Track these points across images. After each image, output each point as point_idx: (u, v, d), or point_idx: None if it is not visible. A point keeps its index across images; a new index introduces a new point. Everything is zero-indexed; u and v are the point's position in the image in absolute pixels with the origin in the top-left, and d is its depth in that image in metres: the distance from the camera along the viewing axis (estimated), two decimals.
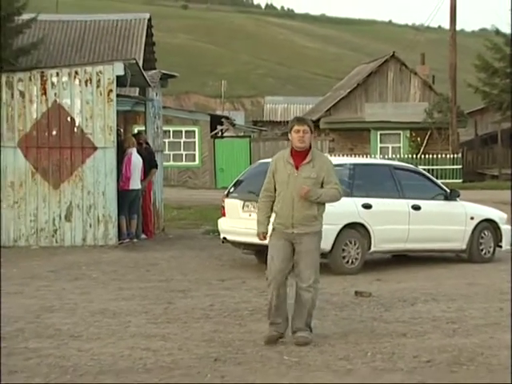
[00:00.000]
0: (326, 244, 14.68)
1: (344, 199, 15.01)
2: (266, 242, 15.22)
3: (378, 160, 29.67)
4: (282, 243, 9.19)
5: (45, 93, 18.15)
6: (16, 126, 18.12)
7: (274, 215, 9.34)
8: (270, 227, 9.46)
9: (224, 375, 8.05)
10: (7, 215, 18.05)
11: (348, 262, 14.98)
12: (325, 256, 14.98)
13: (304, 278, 9.11)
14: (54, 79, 18.25)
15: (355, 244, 15.04)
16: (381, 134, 47.44)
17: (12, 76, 18.44)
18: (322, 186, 9.15)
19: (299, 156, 9.09)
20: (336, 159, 19.40)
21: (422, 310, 11.41)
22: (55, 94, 18.17)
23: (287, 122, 63.15)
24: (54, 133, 18.23)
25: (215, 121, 44.25)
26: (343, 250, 14.93)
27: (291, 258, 9.17)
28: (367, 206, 15.20)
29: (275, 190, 9.21)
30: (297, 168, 9.04)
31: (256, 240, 15.31)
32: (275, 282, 9.11)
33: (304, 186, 8.91)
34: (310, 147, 9.16)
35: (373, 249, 15.32)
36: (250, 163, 31.99)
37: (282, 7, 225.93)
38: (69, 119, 18.20)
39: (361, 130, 47.04)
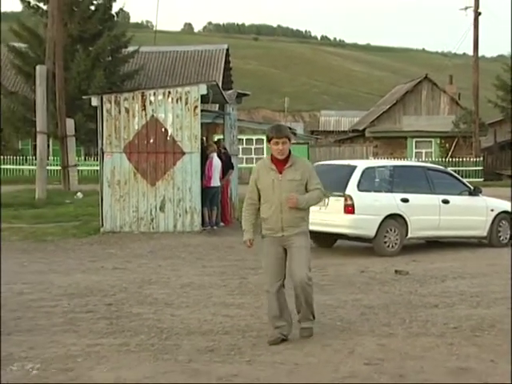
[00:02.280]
0: (371, 231, 14.72)
1: (386, 194, 15.12)
2: (317, 228, 15.40)
3: (413, 162, 29.38)
4: (274, 250, 7.87)
5: (144, 109, 18.32)
6: (122, 135, 18.31)
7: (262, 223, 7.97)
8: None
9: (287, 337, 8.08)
10: (115, 207, 18.28)
11: (389, 246, 14.91)
12: (370, 241, 15.00)
13: (298, 275, 7.74)
14: (152, 98, 18.40)
15: (395, 231, 14.95)
16: (416, 141, 47.15)
17: (119, 96, 18.66)
18: (306, 188, 7.88)
19: (280, 162, 7.79)
20: (379, 162, 19.40)
21: (451, 285, 11.31)
22: (152, 110, 18.33)
23: (339, 131, 63.34)
24: (152, 141, 18.39)
25: None
26: (385, 236, 14.85)
27: (285, 262, 7.91)
28: (405, 200, 15.11)
29: (259, 198, 7.90)
30: (280, 173, 7.75)
31: (313, 227, 15.42)
32: (273, 288, 7.85)
33: (291, 197, 7.64)
34: (290, 153, 7.84)
35: (409, 235, 15.22)
36: None
37: (335, 38, 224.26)
38: (163, 130, 18.34)
39: (399, 137, 46.81)
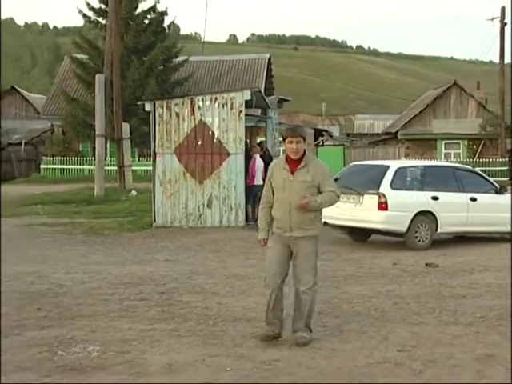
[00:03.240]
0: (403, 226, 14.62)
1: (417, 192, 15.00)
2: (353, 224, 15.37)
3: (443, 162, 29.10)
4: (280, 247, 7.29)
5: (193, 113, 18.38)
6: (173, 138, 18.39)
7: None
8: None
9: (325, 324, 8.06)
10: (166, 204, 18.38)
11: (420, 240, 14.79)
12: (402, 236, 14.90)
13: (303, 281, 7.20)
14: (200, 103, 18.46)
15: (425, 227, 14.83)
16: (445, 143, 46.73)
17: (170, 102, 18.74)
18: (318, 190, 7.30)
19: (294, 162, 7.27)
20: (410, 162, 19.22)
21: (478, 277, 11.20)
22: (201, 114, 18.38)
23: (372, 134, 62.99)
24: (200, 143, 18.44)
25: (317, 133, 44.21)
26: (416, 231, 14.74)
27: (288, 261, 7.33)
28: (435, 198, 14.98)
29: (273, 196, 7.38)
30: (292, 173, 7.22)
31: (349, 223, 15.49)
32: (272, 284, 7.26)
33: (302, 199, 7.10)
34: (304, 153, 7.32)
35: (439, 231, 15.08)
36: (344, 165, 31.70)
37: (369, 47, 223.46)
38: (210, 133, 18.38)
39: (429, 139, 46.43)
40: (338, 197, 7.43)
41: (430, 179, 15.36)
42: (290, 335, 7.31)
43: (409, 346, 7.12)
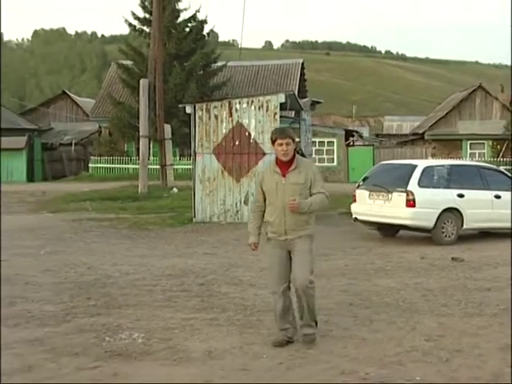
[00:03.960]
0: (430, 222, 14.53)
1: (443, 190, 14.88)
2: (382, 220, 15.28)
3: (468, 162, 28.78)
4: (279, 252, 6.85)
5: (231, 115, 18.41)
6: (211, 138, 18.44)
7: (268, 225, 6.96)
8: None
9: (356, 315, 8.02)
10: (205, 200, 18.44)
11: (446, 235, 14.67)
12: (429, 231, 14.79)
13: (300, 278, 6.71)
14: (237, 106, 18.49)
15: (451, 223, 14.70)
16: (470, 143, 46.18)
17: (209, 104, 18.81)
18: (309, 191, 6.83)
19: (285, 164, 6.79)
20: (437, 161, 19.06)
21: (502, 271, 11.05)
22: (238, 116, 18.41)
23: (400, 134, 62.54)
24: (237, 143, 18.47)
25: (348, 134, 44.03)
26: (442, 227, 14.63)
27: (289, 264, 6.87)
28: (461, 195, 14.85)
29: (264, 201, 6.90)
30: (284, 176, 6.75)
31: (378, 219, 15.42)
32: (277, 290, 6.85)
33: (292, 201, 6.63)
34: (294, 155, 6.84)
35: (465, 227, 14.95)
36: (373, 164, 31.57)
37: (397, 52, 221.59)
38: (247, 134, 18.40)
39: (455, 140, 45.94)
40: (328, 198, 6.88)
41: (456, 177, 15.23)
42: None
43: (436, 336, 7.07)
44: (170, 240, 15.37)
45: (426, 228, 14.77)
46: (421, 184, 14.69)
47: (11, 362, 6.27)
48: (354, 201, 16.08)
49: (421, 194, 14.55)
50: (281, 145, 6.74)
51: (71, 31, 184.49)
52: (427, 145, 46.30)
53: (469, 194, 14.97)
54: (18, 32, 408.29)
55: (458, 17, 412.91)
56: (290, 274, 6.85)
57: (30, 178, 41.54)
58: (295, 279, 6.75)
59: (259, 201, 6.97)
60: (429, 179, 14.89)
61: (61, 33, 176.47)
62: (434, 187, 14.86)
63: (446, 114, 47.59)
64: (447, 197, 14.74)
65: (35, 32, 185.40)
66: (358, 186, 16.13)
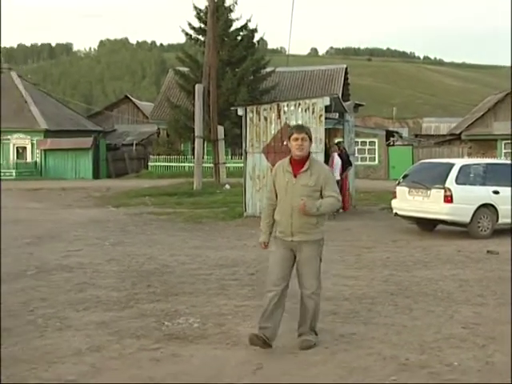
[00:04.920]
0: (467, 217, 14.35)
1: (479, 187, 14.65)
2: (421, 215, 15.12)
3: (503, 161, 28.28)
4: (283, 251, 6.26)
5: (279, 117, 18.38)
6: (261, 138, 18.44)
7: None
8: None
9: (397, 304, 7.97)
10: (255, 196, 18.44)
11: (482, 230, 14.44)
12: (465, 226, 14.59)
13: (307, 286, 6.24)
14: (285, 108, 18.45)
15: (487, 218, 14.47)
16: (505, 143, 45.33)
17: (259, 107, 18.80)
18: (320, 194, 6.23)
19: (298, 164, 6.23)
20: (473, 160, 18.76)
21: None
22: (286, 118, 18.37)
23: (438, 135, 61.72)
24: (285, 143, 18.37)
25: (388, 134, 43.66)
26: (478, 222, 14.41)
27: (291, 265, 6.33)
28: (496, 192, 14.61)
29: (277, 198, 6.34)
30: (295, 176, 6.18)
31: (417, 214, 15.26)
32: (275, 289, 6.25)
33: (301, 202, 6.07)
34: (309, 155, 6.28)
35: (499, 221, 14.70)
36: (413, 163, 31.23)
37: (435, 57, 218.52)
38: None
39: (490, 140, 45.17)
40: (339, 202, 6.31)
41: (492, 175, 14.99)
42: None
43: (472, 324, 6.98)
44: (223, 233, 15.43)
45: (462, 223, 14.57)
46: (458, 181, 14.51)
47: (82, 342, 6.39)
48: (395, 197, 15.96)
49: (458, 191, 14.37)
50: (296, 139, 6.22)
51: (133, 41, 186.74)
52: (463, 144, 45.64)
53: (504, 190, 14.71)
54: (86, 42, 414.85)
55: (494, 24, 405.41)
56: (291, 274, 6.34)
57: (96, 175, 42.13)
58: (303, 287, 6.25)
59: (272, 198, 6.38)
60: (465, 177, 14.70)
61: (124, 42, 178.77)
62: (470, 184, 14.67)
63: (482, 115, 46.87)
64: (483, 193, 14.53)
65: (101, 42, 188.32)
66: (399, 183, 16.00)
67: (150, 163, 43.71)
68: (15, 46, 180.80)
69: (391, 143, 43.75)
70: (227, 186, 27.36)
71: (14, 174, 42.00)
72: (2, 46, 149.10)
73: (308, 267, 6.23)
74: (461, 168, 14.72)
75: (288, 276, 6.30)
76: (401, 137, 48.09)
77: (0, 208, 18.49)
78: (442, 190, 14.40)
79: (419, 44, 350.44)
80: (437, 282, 9.29)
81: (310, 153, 6.29)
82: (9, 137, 44.99)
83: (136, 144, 47.64)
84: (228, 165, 36.68)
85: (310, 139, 6.31)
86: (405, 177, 16.03)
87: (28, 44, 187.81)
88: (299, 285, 6.32)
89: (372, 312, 7.57)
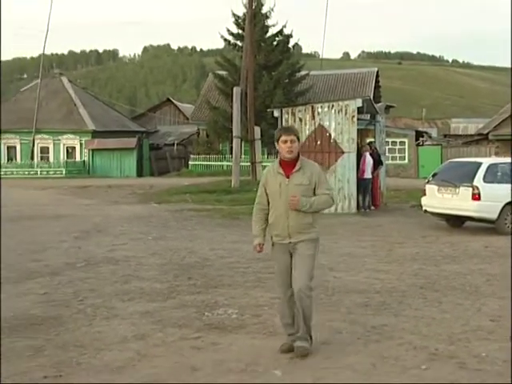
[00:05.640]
0: (494, 214, 14.18)
1: (506, 185, 14.41)
2: (449, 212, 14.93)
3: None
4: (284, 257, 5.85)
5: (313, 118, 18.36)
6: None
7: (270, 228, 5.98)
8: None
9: (426, 297, 7.90)
10: None
11: (508, 226, 14.24)
12: (492, 222, 14.40)
13: (297, 283, 5.70)
14: (319, 110, 18.42)
15: None
16: None
17: (294, 109, 18.83)
18: (314, 193, 5.83)
19: (288, 165, 5.79)
20: (500, 159, 18.46)
21: None
22: (320, 119, 18.34)
23: (466, 135, 60.92)
24: (319, 143, 18.40)
25: (418, 134, 43.23)
26: (505, 218, 14.20)
27: None
28: None
29: (268, 203, 5.90)
30: (287, 177, 5.75)
31: (446, 211, 15.10)
32: (284, 295, 5.88)
33: (292, 198, 5.67)
34: (299, 155, 5.83)
35: None
36: (441, 162, 30.88)
37: (463, 61, 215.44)
38: (328, 134, 18.32)
39: None
40: (333, 200, 5.93)
41: None
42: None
43: (499, 317, 6.89)
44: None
45: (490, 219, 14.38)
46: (485, 179, 14.33)
47: (128, 331, 6.47)
48: (424, 194, 15.83)
49: (485, 189, 14.20)
50: (285, 142, 5.76)
51: (175, 47, 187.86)
52: (491, 144, 44.99)
53: None
54: (131, 48, 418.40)
55: None
56: None
57: (139, 173, 42.52)
58: (294, 285, 5.75)
59: (262, 203, 5.94)
60: (493, 175, 14.50)
61: (166, 48, 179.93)
62: (497, 182, 14.46)
63: (509, 116, 46.14)
64: (510, 191, 14.31)
65: (145, 48, 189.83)
66: (428, 181, 15.87)
67: (190, 162, 43.93)
68: (66, 52, 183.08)
69: (421, 143, 43.29)
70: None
71: (63, 172, 42.62)
72: (55, 52, 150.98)
73: (301, 265, 5.74)
74: (488, 167, 14.53)
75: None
76: (430, 137, 47.57)
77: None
78: (470, 188, 14.24)
79: (448, 48, 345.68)
80: (465, 276, 9.18)
81: (299, 153, 5.85)
82: (59, 137, 45.67)
83: (177, 144, 47.93)
84: (264, 163, 36.62)
85: (298, 140, 5.87)
86: (434, 175, 15.88)
87: (77, 51, 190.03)
88: (292, 282, 5.78)
89: (402, 304, 7.51)
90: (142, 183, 32.60)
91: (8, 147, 46.40)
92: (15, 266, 10.11)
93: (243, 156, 37.03)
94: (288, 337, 5.85)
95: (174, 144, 47.87)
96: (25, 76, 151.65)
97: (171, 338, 6.22)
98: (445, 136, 60.63)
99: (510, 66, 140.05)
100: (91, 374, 5.28)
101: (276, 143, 5.85)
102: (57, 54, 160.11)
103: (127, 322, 6.79)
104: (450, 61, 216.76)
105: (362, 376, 5.16)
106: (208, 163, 43.02)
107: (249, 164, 32.49)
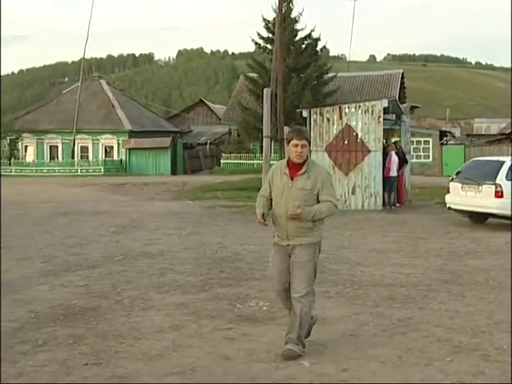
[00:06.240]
0: None
1: None
2: (473, 209, 14.74)
3: None
4: (280, 257, 5.53)
5: (341, 118, 18.28)
6: (324, 138, 18.40)
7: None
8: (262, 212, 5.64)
9: (450, 291, 7.82)
10: None
11: None
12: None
13: (296, 289, 5.39)
14: (346, 110, 18.33)
15: None
16: None
17: (322, 109, 18.78)
18: (317, 197, 5.44)
19: (295, 167, 5.46)
20: None
21: None
22: (347, 119, 18.26)
23: (488, 134, 60.14)
24: (346, 142, 18.32)
25: (442, 134, 42.77)
26: None
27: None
28: None
29: (270, 198, 5.59)
30: (292, 179, 5.42)
31: (469, 208, 14.91)
32: (279, 295, 5.64)
33: (294, 213, 5.29)
34: (307, 158, 5.50)
35: None
36: (464, 161, 30.50)
37: (486, 63, 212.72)
38: (354, 134, 18.22)
39: None
40: (336, 207, 5.52)
41: None
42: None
43: None
44: None
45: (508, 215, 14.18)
46: (508, 177, 14.10)
47: (163, 321, 6.51)
48: (448, 192, 15.65)
49: (508, 187, 13.97)
50: (296, 146, 5.41)
51: (207, 50, 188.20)
52: None
53: None
54: (166, 52, 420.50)
55: None
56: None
57: (174, 171, 42.72)
58: (293, 288, 5.45)
59: (265, 195, 5.62)
60: None
61: (199, 52, 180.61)
62: None
63: None
64: None
65: (179, 52, 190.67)
66: (452, 179, 15.69)
67: (222, 160, 44.03)
68: (104, 56, 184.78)
69: (444, 142, 42.82)
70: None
71: (102, 170, 43.03)
72: (94, 56, 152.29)
73: (300, 270, 5.41)
74: (511, 165, 14.32)
75: (288, 281, 5.52)
76: (453, 136, 46.99)
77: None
78: (493, 186, 14.05)
79: (471, 50, 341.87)
80: (488, 271, 9.07)
81: (307, 156, 5.49)
82: (98, 137, 46.14)
83: (209, 143, 48.08)
84: None
85: (309, 143, 5.54)
86: (458, 173, 15.71)
87: (115, 55, 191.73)
88: (291, 289, 5.48)
89: (427, 298, 7.45)
90: (176, 181, 32.76)
91: (50, 147, 47.05)
92: (57, 260, 10.25)
93: (273, 155, 37.00)
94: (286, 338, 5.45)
95: (206, 143, 48.02)
96: (66, 79, 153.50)
97: (205, 328, 6.25)
98: (468, 135, 59.93)
99: None
100: (129, 361, 5.33)
101: (286, 144, 5.52)
102: (96, 58, 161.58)
103: (163, 313, 6.84)
104: (474, 63, 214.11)
105: (389, 367, 5.13)
106: (239, 162, 43.06)
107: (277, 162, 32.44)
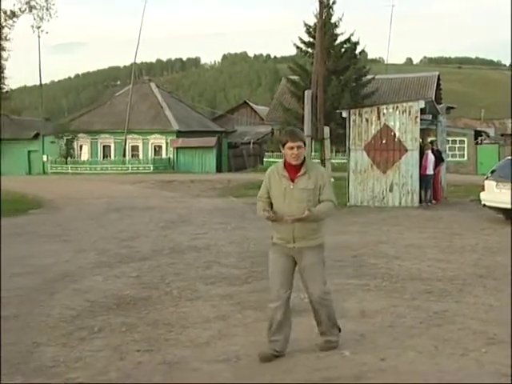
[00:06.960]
0: None
1: None
2: (506, 206, 14.43)
3: None
4: (283, 259, 5.21)
5: (379, 119, 18.12)
6: (363, 137, 18.27)
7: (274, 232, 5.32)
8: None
9: (485, 285, 7.71)
10: (357, 188, 18.31)
11: None
12: None
13: (314, 292, 5.21)
14: (385, 111, 18.16)
15: None
16: None
17: (361, 110, 18.66)
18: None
19: (293, 168, 5.16)
20: None
21: None
22: (385, 119, 18.08)
23: None
24: (384, 141, 18.15)
25: (477, 134, 42.03)
26: None
27: (292, 272, 5.27)
28: None
29: (269, 203, 5.25)
30: (292, 181, 5.12)
31: (503, 205, 14.62)
32: (278, 297, 5.21)
33: (301, 211, 5.02)
34: (304, 159, 5.19)
35: None
36: (499, 160, 29.86)
37: None
38: (392, 134, 18.04)
39: None
40: (335, 207, 5.31)
41: None
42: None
43: None
44: (328, 220, 15.33)
45: None
46: None
47: (210, 311, 6.58)
48: (483, 190, 15.38)
49: None
50: (291, 148, 5.10)
51: (251, 54, 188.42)
52: None
53: None
54: (211, 56, 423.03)
55: None
56: (292, 281, 5.31)
57: (219, 169, 42.94)
58: (310, 294, 5.26)
59: (264, 199, 5.28)
60: None
61: (243, 56, 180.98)
62: None
63: None
64: None
65: (224, 56, 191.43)
66: (487, 177, 15.41)
67: (264, 159, 44.07)
68: (154, 61, 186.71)
69: (479, 142, 42.06)
70: (332, 179, 27.18)
71: (151, 168, 43.51)
72: (144, 61, 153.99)
73: (313, 273, 5.23)
74: None
75: (290, 285, 5.29)
76: (488, 136, 46.11)
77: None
78: None
79: (506, 53, 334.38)
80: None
81: (304, 157, 5.21)
82: (148, 137, 46.66)
83: (253, 143, 48.17)
84: (333, 160, 36.33)
85: (305, 144, 5.19)
86: (492, 172, 15.42)
87: (164, 59, 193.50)
88: (307, 293, 5.33)
89: (463, 292, 7.35)
90: (221, 178, 32.94)
91: (104, 146, 47.80)
92: (110, 252, 10.43)
93: (314, 153, 36.88)
94: (269, 343, 5.21)
95: (250, 143, 48.13)
96: (118, 83, 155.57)
97: (249, 319, 6.29)
98: (502, 135, 58.64)
99: None
100: (178, 348, 5.40)
101: (281, 147, 5.19)
102: (146, 63, 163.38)
103: (209, 303, 6.91)
104: (508, 65, 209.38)
105: (425, 357, 5.09)
106: (281, 160, 43.07)
107: (319, 161, 32.34)
